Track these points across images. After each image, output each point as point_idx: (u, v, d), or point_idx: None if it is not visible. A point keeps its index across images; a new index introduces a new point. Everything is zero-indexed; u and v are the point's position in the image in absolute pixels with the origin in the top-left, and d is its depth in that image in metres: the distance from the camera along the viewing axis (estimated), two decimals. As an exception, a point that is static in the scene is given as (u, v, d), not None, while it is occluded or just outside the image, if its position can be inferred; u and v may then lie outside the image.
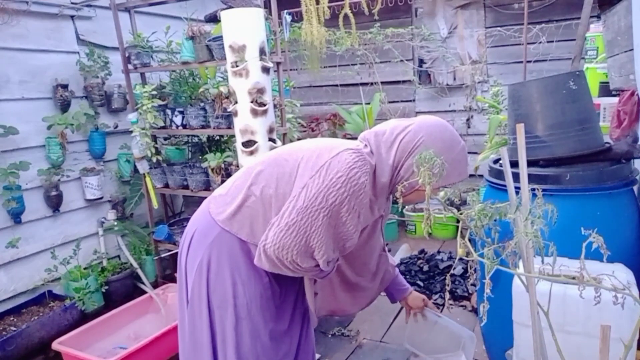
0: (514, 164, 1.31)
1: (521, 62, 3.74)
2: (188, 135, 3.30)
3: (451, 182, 1.38)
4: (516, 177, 1.30)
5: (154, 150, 3.06)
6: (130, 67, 3.11)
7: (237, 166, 2.49)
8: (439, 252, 3.92)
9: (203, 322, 1.47)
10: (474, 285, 1.23)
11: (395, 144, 1.38)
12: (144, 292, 3.09)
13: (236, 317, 1.45)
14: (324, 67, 4.93)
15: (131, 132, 3.05)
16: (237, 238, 1.44)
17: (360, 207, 1.33)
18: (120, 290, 3.18)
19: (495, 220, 1.21)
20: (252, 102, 2.29)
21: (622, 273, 1.53)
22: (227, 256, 1.45)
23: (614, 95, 2.46)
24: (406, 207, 4.63)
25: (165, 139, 3.49)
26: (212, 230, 1.46)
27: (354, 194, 1.29)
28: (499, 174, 2.02)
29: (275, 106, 2.59)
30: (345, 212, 1.30)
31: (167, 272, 3.49)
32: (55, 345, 2.48)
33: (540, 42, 4.13)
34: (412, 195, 1.43)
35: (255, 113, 2.29)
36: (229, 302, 1.45)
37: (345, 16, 3.84)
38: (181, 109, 2.93)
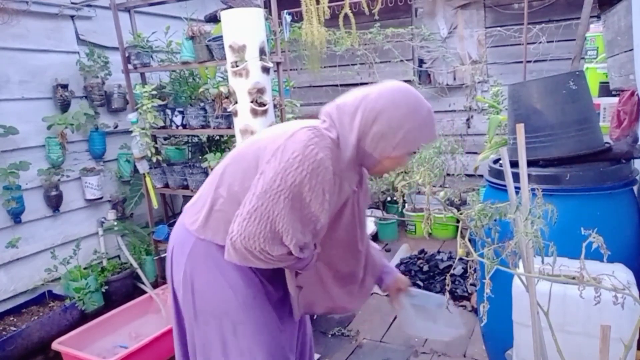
0: (514, 164, 1.31)
1: (521, 62, 3.74)
2: (188, 135, 3.30)
3: (420, 146, 1.31)
4: (516, 177, 1.30)
5: (154, 150, 3.06)
6: (130, 67, 3.11)
7: (237, 166, 2.50)
8: (439, 252, 3.92)
9: (204, 336, 1.45)
10: (474, 285, 1.23)
11: (358, 113, 1.32)
12: (144, 292, 3.09)
13: (233, 323, 1.42)
14: (324, 67, 4.93)
15: (131, 132, 3.05)
16: (214, 244, 1.40)
17: (324, 185, 1.26)
18: (120, 290, 3.18)
19: (495, 220, 1.22)
20: (252, 102, 2.29)
21: (622, 273, 1.53)
22: (208, 265, 1.42)
23: (614, 95, 2.46)
24: (406, 207, 4.63)
25: (165, 139, 3.49)
26: (188, 241, 1.44)
27: (313, 171, 1.24)
28: (499, 174, 2.02)
29: (275, 106, 2.59)
30: (308, 192, 1.25)
31: (167, 272, 3.49)
32: (55, 345, 2.48)
33: (540, 42, 4.13)
34: (384, 164, 1.38)
35: (255, 113, 2.29)
36: (221, 310, 1.42)
37: (345, 16, 3.85)
38: (181, 109, 2.93)
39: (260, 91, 2.30)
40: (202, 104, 2.82)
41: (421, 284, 3.43)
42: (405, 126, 1.30)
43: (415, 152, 1.30)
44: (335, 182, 1.31)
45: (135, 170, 3.34)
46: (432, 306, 1.79)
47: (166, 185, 3.19)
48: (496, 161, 2.29)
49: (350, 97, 1.37)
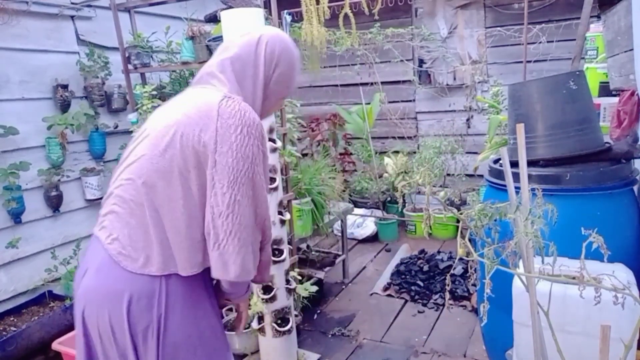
0: (514, 164, 1.31)
1: (521, 62, 3.74)
2: (188, 136, 3.30)
3: (296, 83, 1.44)
4: (516, 177, 1.30)
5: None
6: (130, 67, 3.11)
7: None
8: (439, 252, 3.92)
9: None
10: (474, 285, 1.23)
11: (259, 59, 1.34)
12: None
13: (208, 352, 1.32)
14: (324, 67, 4.93)
15: (131, 132, 3.05)
16: (180, 276, 1.24)
17: (265, 149, 1.27)
18: (121, 290, 3.17)
19: (495, 220, 1.22)
20: (252, 102, 2.29)
21: (622, 273, 1.53)
22: (183, 301, 1.26)
23: (614, 95, 2.46)
24: (406, 207, 4.63)
25: (165, 139, 3.49)
26: (152, 287, 1.23)
27: (260, 136, 1.23)
28: (499, 174, 2.02)
29: (275, 106, 2.59)
30: (264, 159, 1.25)
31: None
32: (55, 345, 2.48)
33: (540, 42, 4.13)
34: (271, 106, 1.44)
35: (255, 113, 2.30)
36: (195, 342, 1.29)
37: (345, 16, 3.84)
38: (181, 109, 2.93)
39: (260, 91, 2.30)
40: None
41: (421, 283, 3.43)
42: (295, 64, 1.41)
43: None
44: None
45: (136, 171, 3.33)
46: None
47: (166, 186, 3.18)
48: (496, 161, 2.29)
49: (236, 47, 1.35)
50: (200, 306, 1.31)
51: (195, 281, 1.28)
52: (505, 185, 1.36)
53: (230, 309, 2.83)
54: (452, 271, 3.40)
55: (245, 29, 2.24)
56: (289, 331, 2.49)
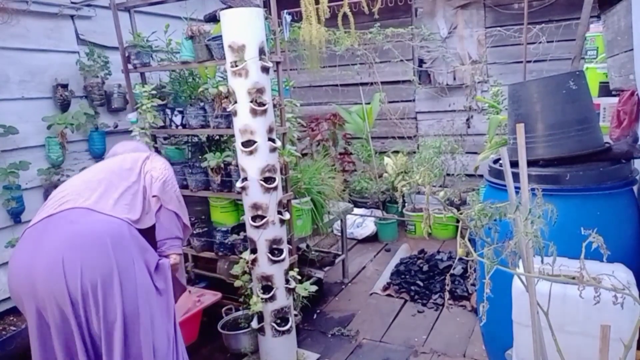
0: (514, 164, 1.31)
1: (521, 62, 3.74)
2: (188, 135, 3.29)
3: None
4: (516, 177, 1.30)
5: (153, 150, 3.06)
6: (130, 66, 3.11)
7: (237, 166, 2.49)
8: (438, 252, 3.92)
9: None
10: (474, 285, 1.23)
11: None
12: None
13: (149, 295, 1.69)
14: (324, 67, 4.93)
15: (131, 131, 3.05)
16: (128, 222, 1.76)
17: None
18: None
19: (495, 220, 1.22)
20: (251, 102, 2.29)
21: (622, 273, 1.53)
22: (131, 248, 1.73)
23: (614, 95, 2.46)
24: (406, 207, 4.63)
25: (165, 138, 3.48)
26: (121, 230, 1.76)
27: (172, 171, 2.05)
28: (499, 174, 2.02)
29: (274, 106, 2.58)
30: (174, 180, 2.03)
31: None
32: (55, 345, 2.47)
33: (540, 42, 4.13)
34: None
35: (254, 113, 2.29)
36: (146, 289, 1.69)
37: (345, 16, 3.85)
38: (181, 109, 2.92)
39: (260, 91, 2.30)
40: (201, 104, 2.82)
41: (421, 283, 3.43)
42: None
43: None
44: None
45: (135, 170, 3.33)
46: None
47: (166, 185, 3.18)
48: (496, 161, 2.29)
49: None
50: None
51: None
52: (505, 185, 1.36)
53: (230, 309, 2.83)
54: (451, 271, 3.40)
55: (244, 29, 2.26)
56: (289, 331, 2.49)
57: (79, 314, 1.53)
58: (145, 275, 1.64)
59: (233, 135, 2.51)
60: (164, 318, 1.70)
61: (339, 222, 3.65)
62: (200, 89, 2.85)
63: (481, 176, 3.57)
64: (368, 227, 4.48)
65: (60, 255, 1.52)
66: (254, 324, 2.49)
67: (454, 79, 4.60)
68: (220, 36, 2.39)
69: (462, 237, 1.19)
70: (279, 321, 2.45)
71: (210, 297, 2.81)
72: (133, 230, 1.68)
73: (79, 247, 1.54)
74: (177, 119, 2.93)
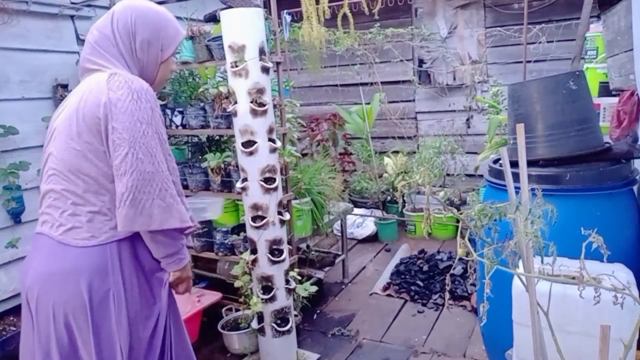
0: (514, 164, 1.31)
1: (521, 62, 3.74)
2: (188, 135, 3.29)
3: (178, 41, 1.53)
4: (516, 177, 1.30)
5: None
6: (130, 67, 3.11)
7: (237, 166, 2.49)
8: (438, 252, 3.92)
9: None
10: (474, 285, 1.23)
11: (116, 37, 1.42)
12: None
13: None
14: (324, 67, 4.93)
15: (131, 132, 3.05)
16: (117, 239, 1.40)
17: (159, 111, 1.41)
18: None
19: (495, 220, 1.22)
20: (251, 102, 2.29)
21: (622, 273, 1.53)
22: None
23: (614, 95, 2.46)
24: (406, 207, 4.63)
25: (165, 138, 3.49)
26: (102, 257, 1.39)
27: (152, 99, 1.37)
28: (499, 174, 2.02)
29: (275, 106, 2.58)
30: (159, 119, 1.39)
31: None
32: (55, 345, 2.47)
33: (540, 42, 4.13)
34: (161, 73, 1.53)
35: (254, 113, 2.29)
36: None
37: (345, 16, 3.85)
38: (181, 109, 2.92)
39: (260, 91, 2.30)
40: (201, 104, 2.82)
41: (421, 283, 3.43)
42: (161, 25, 1.47)
43: (177, 51, 1.54)
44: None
45: (135, 170, 3.33)
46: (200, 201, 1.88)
47: (166, 185, 3.18)
48: (496, 161, 2.29)
49: (94, 34, 1.45)
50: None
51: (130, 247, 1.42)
52: (505, 185, 1.36)
53: (230, 309, 2.83)
54: (451, 271, 3.40)
55: (244, 29, 2.26)
56: (289, 331, 2.49)
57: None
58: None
59: (233, 136, 2.51)
60: None
61: (339, 222, 3.65)
62: (201, 89, 2.85)
63: (481, 176, 3.57)
64: (368, 227, 4.48)
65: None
66: (254, 324, 2.50)
67: (454, 79, 4.60)
68: (221, 36, 2.39)
69: (462, 237, 1.19)
70: (279, 321, 2.45)
71: (210, 297, 2.82)
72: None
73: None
74: (177, 119, 2.93)
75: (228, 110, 2.42)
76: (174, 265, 1.49)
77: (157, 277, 1.49)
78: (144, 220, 1.32)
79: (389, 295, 3.41)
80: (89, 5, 3.21)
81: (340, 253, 3.69)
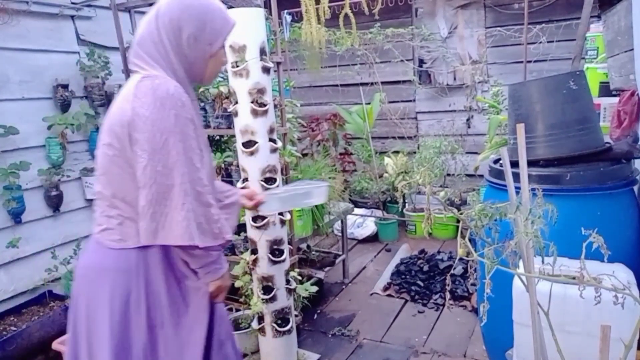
0: (514, 164, 1.31)
1: (521, 62, 3.74)
2: (188, 135, 3.30)
3: (226, 32, 1.41)
4: (516, 177, 1.30)
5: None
6: (130, 67, 3.11)
7: (237, 166, 2.49)
8: (439, 252, 3.92)
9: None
10: (474, 285, 1.23)
11: (161, 34, 1.37)
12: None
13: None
14: (324, 67, 4.93)
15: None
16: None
17: (189, 113, 1.32)
18: (121, 290, 3.17)
19: (495, 220, 1.22)
20: (252, 102, 2.29)
21: (622, 273, 1.53)
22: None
23: (614, 95, 2.46)
24: (406, 207, 4.63)
25: (165, 139, 3.49)
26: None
27: (176, 105, 1.29)
28: (499, 174, 2.02)
29: (275, 106, 2.58)
30: (184, 125, 1.30)
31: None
32: (56, 345, 2.48)
33: (540, 42, 4.13)
34: (211, 66, 1.44)
35: (255, 113, 2.29)
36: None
37: (346, 16, 3.85)
38: (181, 109, 2.93)
39: (261, 91, 2.30)
40: (202, 104, 2.82)
41: (421, 283, 3.43)
42: (207, 18, 1.37)
43: (224, 44, 1.43)
44: (193, 107, 1.38)
45: (136, 170, 3.33)
46: (301, 187, 1.79)
47: (166, 185, 3.18)
48: (496, 161, 2.29)
49: (140, 31, 1.41)
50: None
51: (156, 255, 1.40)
52: (505, 185, 1.36)
53: (231, 309, 2.83)
54: (452, 271, 3.40)
55: (245, 29, 2.26)
56: (289, 331, 2.49)
57: None
58: None
59: (234, 136, 2.51)
60: None
61: (339, 222, 3.65)
62: (201, 89, 2.85)
63: (481, 176, 3.57)
64: (368, 227, 4.49)
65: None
66: (255, 324, 2.50)
67: (454, 79, 4.60)
68: (221, 36, 2.39)
69: (463, 237, 1.20)
70: (279, 321, 2.45)
71: (211, 297, 2.81)
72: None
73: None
74: (178, 119, 2.93)
75: (229, 110, 2.42)
76: (212, 275, 1.46)
77: (191, 286, 1.46)
78: (165, 234, 1.30)
79: (389, 295, 3.41)
80: (89, 5, 3.21)
81: (340, 253, 3.69)
